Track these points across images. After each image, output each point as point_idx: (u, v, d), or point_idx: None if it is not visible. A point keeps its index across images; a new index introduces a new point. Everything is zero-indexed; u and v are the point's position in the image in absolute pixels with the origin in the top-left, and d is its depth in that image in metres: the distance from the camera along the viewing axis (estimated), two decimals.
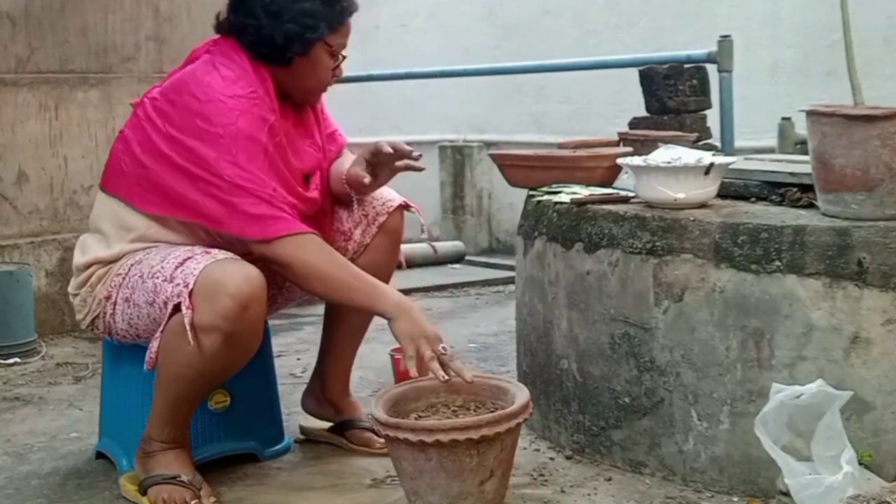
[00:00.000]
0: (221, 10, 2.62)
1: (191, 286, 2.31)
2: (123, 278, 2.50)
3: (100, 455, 2.79)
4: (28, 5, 4.24)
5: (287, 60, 2.54)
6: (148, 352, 2.41)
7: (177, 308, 2.33)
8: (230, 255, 2.42)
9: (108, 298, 2.52)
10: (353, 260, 2.67)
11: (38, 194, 4.34)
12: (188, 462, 2.49)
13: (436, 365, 2.39)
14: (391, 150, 2.60)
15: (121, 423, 2.67)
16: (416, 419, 2.38)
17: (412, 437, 2.24)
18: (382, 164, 2.66)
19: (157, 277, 2.40)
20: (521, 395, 2.40)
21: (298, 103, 2.66)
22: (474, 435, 2.23)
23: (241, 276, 2.34)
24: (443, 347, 2.41)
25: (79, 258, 2.61)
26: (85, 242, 2.63)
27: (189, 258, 2.39)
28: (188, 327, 2.29)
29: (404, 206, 2.83)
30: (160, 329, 2.38)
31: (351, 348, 2.90)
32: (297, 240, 2.42)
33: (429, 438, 2.23)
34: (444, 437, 2.22)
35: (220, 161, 2.39)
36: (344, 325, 2.86)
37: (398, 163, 2.65)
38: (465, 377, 2.41)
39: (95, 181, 4.39)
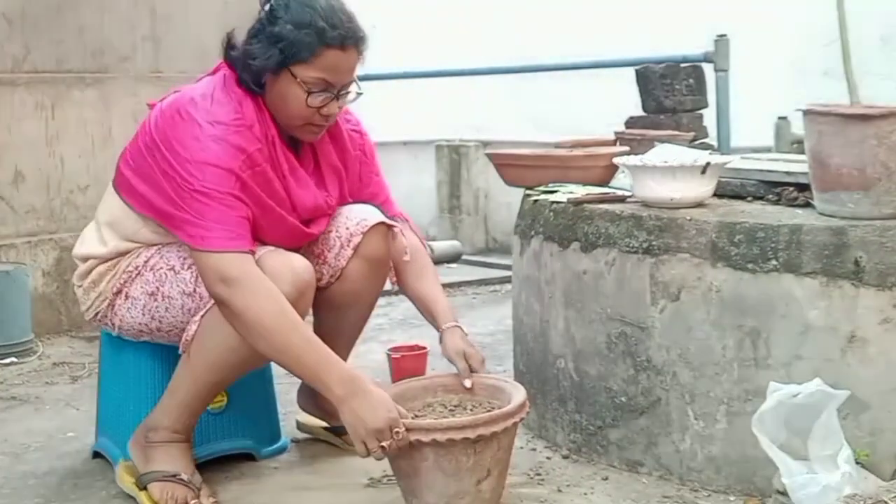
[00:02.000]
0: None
1: None
2: (138, 274, 2.50)
3: (96, 455, 2.79)
4: (24, 5, 4.24)
5: (251, 90, 2.41)
6: (185, 335, 2.42)
7: None
8: (270, 247, 2.42)
9: (118, 294, 2.52)
10: (328, 286, 2.62)
11: (35, 194, 4.33)
12: (189, 460, 2.49)
13: (379, 455, 2.24)
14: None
15: (118, 423, 2.67)
16: (412, 419, 2.37)
17: (409, 436, 2.24)
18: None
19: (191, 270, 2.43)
20: (518, 394, 2.40)
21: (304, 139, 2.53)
22: (471, 434, 2.23)
23: (298, 264, 2.38)
24: (396, 433, 2.21)
25: (77, 248, 2.61)
26: (84, 234, 2.63)
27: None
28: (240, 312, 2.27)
29: (386, 225, 2.63)
30: (200, 315, 2.40)
31: (343, 352, 2.78)
32: (243, 259, 2.30)
33: (425, 438, 2.22)
34: (440, 437, 2.22)
35: (189, 180, 2.31)
36: (334, 331, 2.74)
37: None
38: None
39: (92, 181, 4.43)
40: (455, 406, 2.48)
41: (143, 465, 2.48)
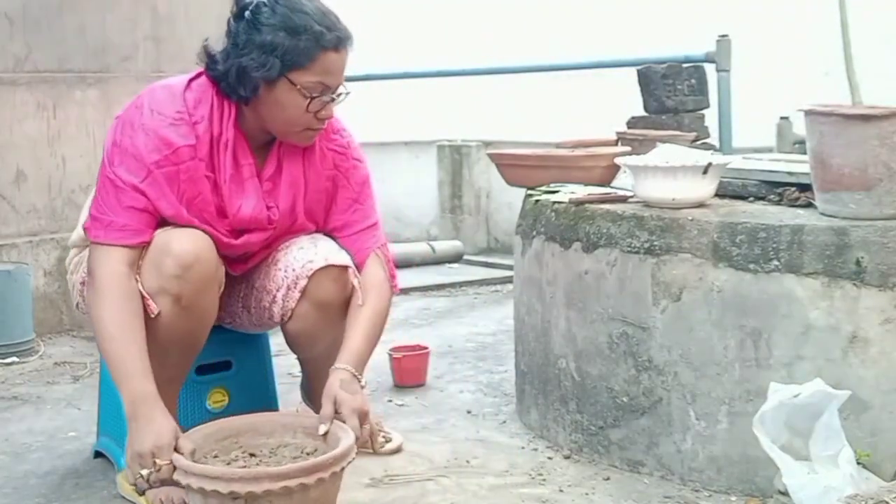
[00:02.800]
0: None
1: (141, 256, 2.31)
2: None
3: (98, 454, 2.79)
4: (26, 5, 4.24)
5: (242, 99, 2.36)
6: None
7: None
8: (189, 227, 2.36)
9: (83, 283, 2.51)
10: (280, 324, 2.54)
11: (36, 194, 4.33)
12: None
13: (141, 484, 2.13)
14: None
15: (119, 422, 2.66)
16: (246, 457, 2.25)
17: (172, 473, 2.11)
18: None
19: None
20: (323, 454, 2.16)
21: (293, 146, 2.48)
22: (224, 489, 2.02)
23: (185, 237, 2.31)
24: (155, 463, 2.10)
25: (70, 239, 2.63)
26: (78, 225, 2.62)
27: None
28: (144, 294, 2.27)
29: (338, 267, 2.49)
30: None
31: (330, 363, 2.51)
32: (115, 257, 2.28)
33: (182, 480, 2.08)
34: (195, 483, 2.05)
35: (106, 162, 2.35)
36: (308, 361, 2.71)
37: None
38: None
39: (93, 181, 4.37)
40: (309, 452, 2.25)
41: None
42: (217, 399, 2.66)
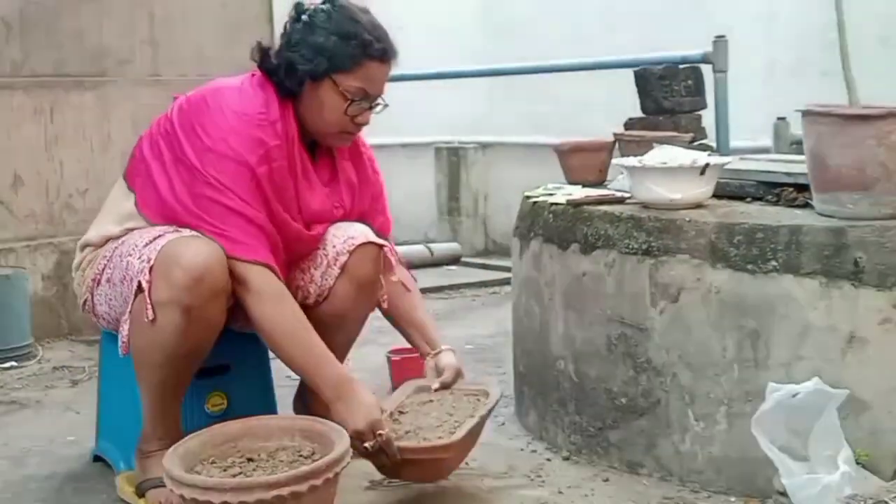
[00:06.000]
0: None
1: (152, 262, 2.31)
2: (108, 260, 2.49)
3: (97, 458, 2.79)
4: (23, 9, 4.24)
5: (289, 92, 2.48)
6: (119, 337, 2.39)
7: (141, 287, 2.32)
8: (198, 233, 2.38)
9: (95, 280, 2.52)
10: (315, 305, 2.60)
11: (34, 198, 4.33)
12: None
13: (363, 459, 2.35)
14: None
15: (118, 426, 2.67)
16: (243, 462, 2.25)
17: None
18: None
19: (132, 254, 2.40)
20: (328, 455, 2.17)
21: (327, 147, 2.62)
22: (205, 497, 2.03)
23: (196, 248, 2.31)
24: (378, 434, 2.30)
25: (84, 238, 2.62)
26: (91, 228, 2.63)
27: (160, 236, 2.38)
28: (147, 303, 2.28)
29: (377, 245, 2.59)
30: (128, 310, 2.37)
31: (345, 354, 2.82)
32: (259, 270, 2.37)
33: (175, 489, 2.08)
34: (188, 494, 2.06)
35: (204, 173, 2.38)
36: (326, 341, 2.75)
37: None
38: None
39: (91, 185, 4.42)
40: (306, 456, 2.25)
41: (141, 475, 2.49)
42: (216, 402, 2.66)
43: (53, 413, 3.32)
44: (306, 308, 2.51)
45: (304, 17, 2.49)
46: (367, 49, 2.45)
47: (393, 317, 2.74)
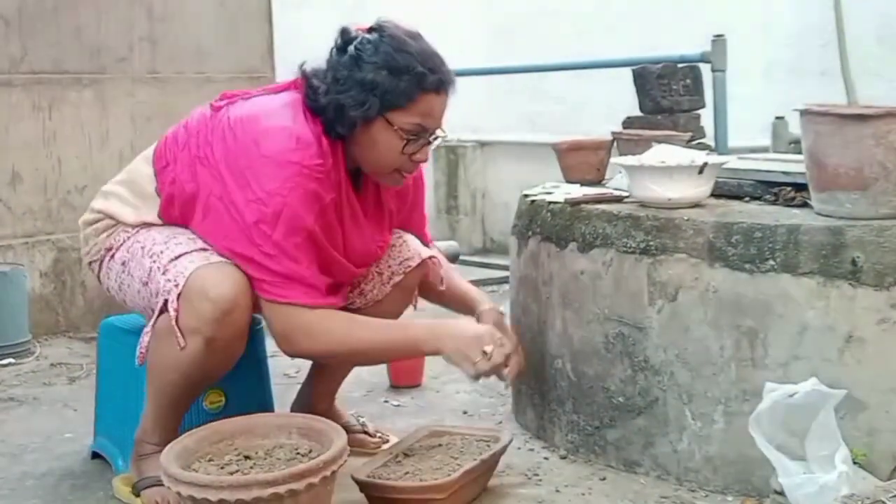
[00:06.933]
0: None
1: (180, 287, 2.29)
2: (128, 239, 2.48)
3: (95, 455, 2.79)
4: (21, 6, 4.24)
5: (338, 135, 2.34)
6: (138, 346, 2.39)
7: (166, 304, 2.31)
8: (224, 259, 2.34)
9: (109, 250, 2.51)
10: (359, 311, 2.59)
11: (32, 195, 4.33)
12: None
13: (493, 373, 2.38)
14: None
15: (115, 423, 2.67)
16: (240, 459, 2.25)
17: (183, 490, 2.09)
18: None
19: (155, 261, 2.38)
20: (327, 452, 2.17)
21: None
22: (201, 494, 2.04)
23: (226, 280, 2.28)
24: (485, 350, 2.34)
25: (98, 202, 2.56)
26: (111, 191, 2.55)
27: (186, 254, 2.35)
28: (175, 328, 2.27)
29: (427, 260, 2.69)
30: (150, 324, 2.37)
31: (342, 373, 2.89)
32: (322, 313, 2.34)
33: (173, 487, 2.09)
34: (185, 491, 2.07)
35: (255, 228, 2.27)
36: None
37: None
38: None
39: (89, 181, 4.42)
40: (304, 454, 2.25)
41: (137, 475, 2.49)
42: (213, 400, 2.66)
43: (51, 410, 3.32)
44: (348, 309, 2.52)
45: (350, 49, 2.32)
46: (422, 82, 2.29)
47: (440, 301, 2.81)
